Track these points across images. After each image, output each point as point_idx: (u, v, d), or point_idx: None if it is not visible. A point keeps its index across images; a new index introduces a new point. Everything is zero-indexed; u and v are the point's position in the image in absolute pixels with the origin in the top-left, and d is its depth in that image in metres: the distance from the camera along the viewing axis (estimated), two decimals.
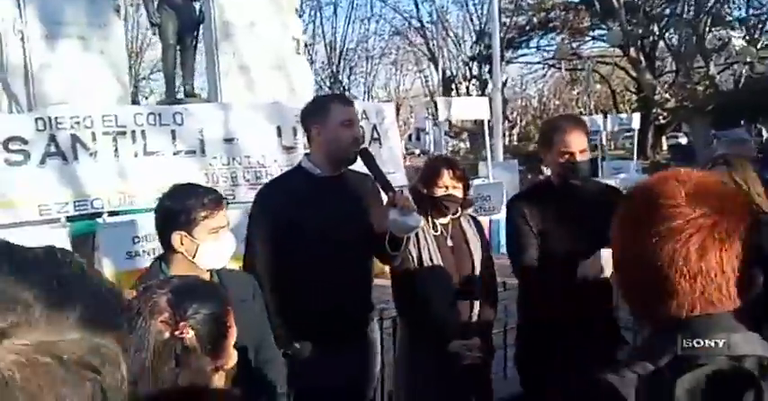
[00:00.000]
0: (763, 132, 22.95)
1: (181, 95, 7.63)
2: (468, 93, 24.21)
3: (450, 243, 2.64)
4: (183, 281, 1.33)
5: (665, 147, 22.10)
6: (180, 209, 1.87)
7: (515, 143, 26.68)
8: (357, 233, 2.33)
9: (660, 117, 21.91)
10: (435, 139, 25.14)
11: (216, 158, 5.52)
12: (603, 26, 22.20)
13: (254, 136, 5.92)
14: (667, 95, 18.82)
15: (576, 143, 2.49)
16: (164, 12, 6.90)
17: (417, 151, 26.23)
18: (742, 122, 16.14)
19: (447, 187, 2.60)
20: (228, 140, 5.65)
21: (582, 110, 32.05)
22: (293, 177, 2.51)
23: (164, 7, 6.89)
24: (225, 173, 5.62)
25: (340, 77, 27.30)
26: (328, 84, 25.89)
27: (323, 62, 26.76)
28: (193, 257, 1.88)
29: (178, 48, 7.15)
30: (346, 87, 27.94)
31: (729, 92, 18.10)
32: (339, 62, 27.24)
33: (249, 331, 1.79)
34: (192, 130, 5.32)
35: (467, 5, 24.65)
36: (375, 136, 6.69)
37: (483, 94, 22.35)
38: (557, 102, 38.65)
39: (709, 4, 18.00)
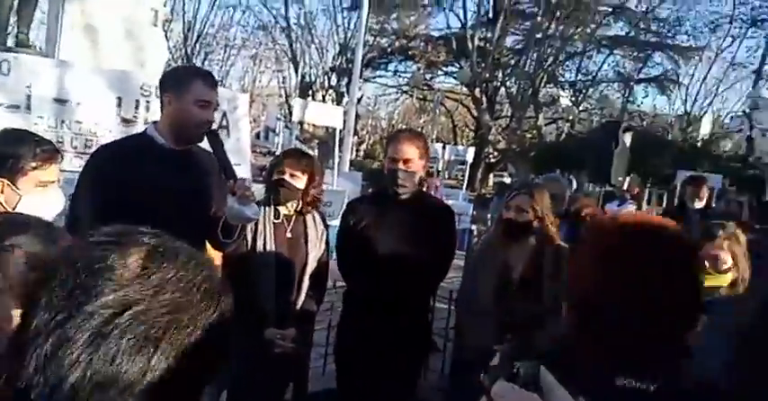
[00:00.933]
0: (573, 183, 25.97)
1: (12, 44, 6.82)
2: (323, 102, 24.42)
3: (289, 234, 2.68)
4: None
5: (491, 182, 24.12)
6: (9, 154, 1.71)
7: (360, 158, 27.38)
8: (191, 211, 2.26)
9: (491, 155, 23.91)
10: (284, 141, 24.97)
11: (42, 118, 5.03)
12: (456, 64, 23.85)
13: (91, 102, 5.49)
14: (500, 137, 20.68)
15: (403, 152, 2.68)
16: None
17: (263, 150, 25.85)
18: (557, 171, 18.14)
19: (284, 173, 2.64)
20: (60, 101, 5.17)
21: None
22: (135, 142, 2.39)
23: None
24: (50, 135, 5.11)
25: (194, 60, 26.11)
26: (180, 64, 24.56)
27: (177, 41, 25.41)
28: (13, 209, 1.72)
29: None
30: None
31: (551, 143, 20.32)
32: (195, 45, 26.06)
33: None
34: (19, 83, 4.80)
35: (335, 16, 25.00)
36: (224, 123, 6.52)
37: (339, 105, 22.75)
38: (403, 127, 40.57)
39: (547, 64, 20.20)
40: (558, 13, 20.60)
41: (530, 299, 2.59)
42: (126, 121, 6.12)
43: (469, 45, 20.37)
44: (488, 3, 22.25)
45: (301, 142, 24.63)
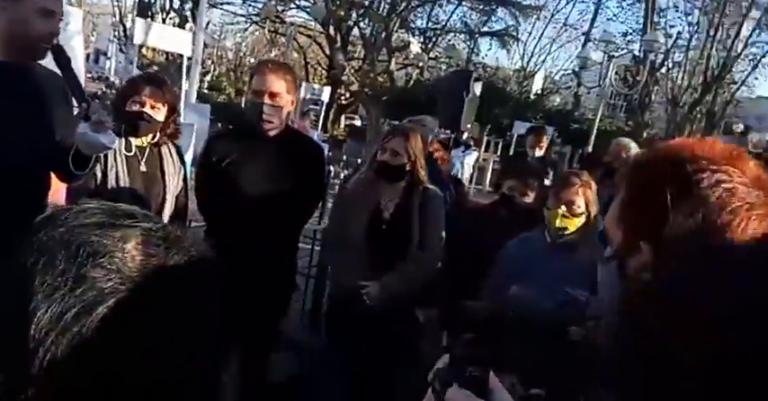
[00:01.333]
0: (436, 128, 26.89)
1: None
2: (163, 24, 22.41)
3: (143, 168, 2.42)
4: None
5: (342, 124, 24.11)
6: None
7: (205, 91, 25.81)
8: (33, 136, 1.95)
9: (343, 97, 23.80)
10: (120, 66, 22.62)
11: None
12: None
13: None
14: (353, 78, 20.58)
15: (270, 84, 2.47)
16: None
17: (94, 75, 23.28)
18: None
19: (143, 104, 2.37)
20: None
21: None
22: None
23: None
24: None
25: None
26: None
27: None
28: None
29: None
30: None
31: (403, 88, 20.70)
32: None
33: None
34: None
35: None
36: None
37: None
38: (252, 60, 38.76)
39: (400, 9, 20.25)
40: None
41: (399, 238, 2.63)
42: None
43: None
44: None
45: (138, 68, 22.58)
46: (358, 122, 23.86)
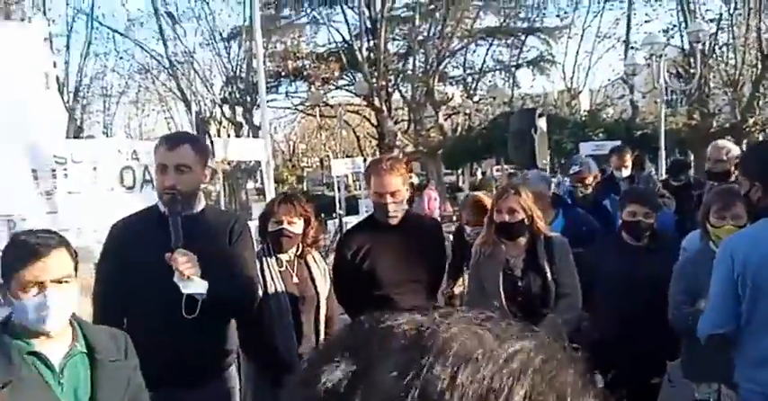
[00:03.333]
0: (478, 173, 26.99)
1: None
2: (218, 135, 23.90)
3: (295, 279, 2.67)
4: None
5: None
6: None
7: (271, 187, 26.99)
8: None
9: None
10: None
11: None
12: (346, 76, 24.15)
13: (4, 181, 5.14)
14: (405, 140, 21.11)
15: (388, 185, 2.71)
16: None
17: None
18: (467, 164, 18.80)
19: (281, 222, 2.63)
20: None
21: (329, 154, 33.96)
22: (145, 212, 2.30)
23: None
24: None
25: (75, 116, 24.74)
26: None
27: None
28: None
29: None
30: (81, 126, 25.43)
31: (454, 138, 21.00)
32: (75, 99, 24.74)
33: (119, 391, 1.61)
34: None
35: (216, 47, 24.52)
36: (147, 178, 6.31)
37: (238, 136, 22.32)
38: (303, 147, 40.40)
39: (434, 64, 20.89)
40: (436, 14, 21.36)
41: (536, 291, 2.73)
42: (48, 194, 5.77)
43: (358, 57, 20.66)
44: (364, 13, 22.71)
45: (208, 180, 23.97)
46: (415, 180, 24.27)
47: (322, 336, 2.68)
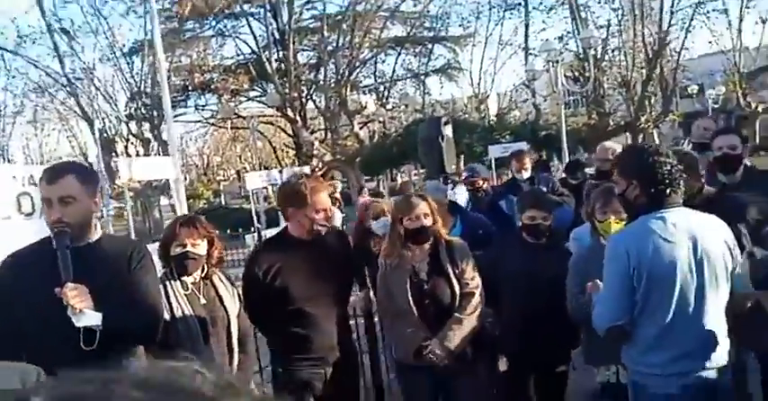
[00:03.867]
0: (398, 178, 27.41)
1: None
2: (127, 153, 22.97)
3: (203, 300, 2.64)
4: None
5: None
6: None
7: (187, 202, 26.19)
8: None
9: (316, 169, 24.36)
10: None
11: None
12: (257, 88, 23.86)
13: None
14: (322, 150, 21.12)
15: (325, 202, 2.83)
16: None
17: None
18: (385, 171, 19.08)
19: (184, 245, 2.61)
20: None
21: (246, 165, 33.34)
22: (38, 245, 2.21)
23: None
24: None
25: None
26: None
27: None
28: None
29: None
30: None
31: (371, 145, 21.23)
32: None
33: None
34: None
35: (118, 62, 23.56)
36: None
37: (147, 154, 21.55)
38: (219, 159, 39.50)
39: (346, 74, 21.06)
40: (343, 26, 21.53)
41: (441, 293, 2.85)
42: None
43: (268, 68, 20.50)
44: (271, 25, 22.56)
45: (114, 199, 23.01)
46: (339, 186, 24.32)
47: (236, 356, 2.67)
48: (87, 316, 1.97)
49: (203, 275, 2.69)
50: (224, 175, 40.84)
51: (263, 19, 22.55)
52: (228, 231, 14.04)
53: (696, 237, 2.25)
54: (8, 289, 2.07)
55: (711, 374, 2.29)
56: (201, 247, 2.65)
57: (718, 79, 25.45)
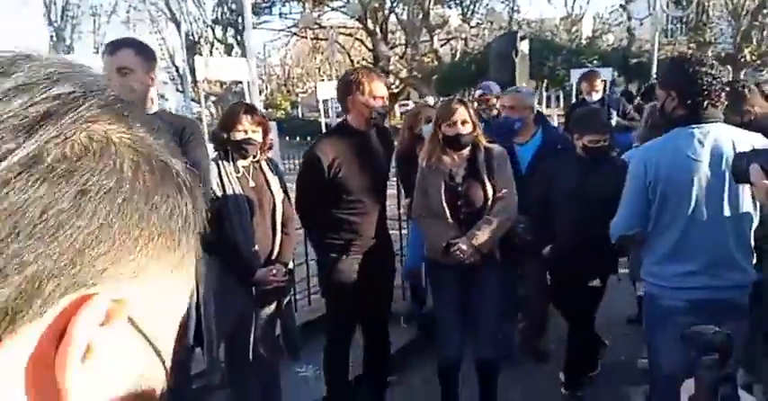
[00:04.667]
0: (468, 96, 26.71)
1: None
2: (211, 56, 23.51)
3: (251, 183, 2.87)
4: None
5: (397, 113, 24.45)
6: None
7: (263, 110, 26.83)
8: None
9: (392, 85, 24.15)
10: (179, 105, 23.96)
11: None
12: None
13: None
14: (400, 65, 20.85)
15: (383, 90, 2.97)
16: None
17: None
18: (461, 91, 18.70)
19: (246, 131, 2.80)
20: None
21: (324, 78, 33.45)
22: None
23: None
24: None
25: (63, 35, 24.27)
26: (51, 42, 22.85)
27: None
28: None
29: None
30: (71, 45, 24.97)
31: (450, 63, 20.73)
32: (62, 18, 24.14)
33: None
34: None
35: None
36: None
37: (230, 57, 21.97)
38: (299, 71, 39.71)
39: None
40: None
41: (474, 197, 2.97)
42: None
43: None
44: None
45: (196, 102, 23.89)
46: (412, 107, 24.04)
47: (278, 236, 2.91)
48: None
49: (255, 160, 2.90)
50: (303, 88, 41.23)
51: None
52: (298, 139, 14.45)
53: (724, 156, 2.21)
54: None
55: (722, 294, 2.32)
56: (259, 134, 2.83)
57: None
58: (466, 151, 2.98)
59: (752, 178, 1.07)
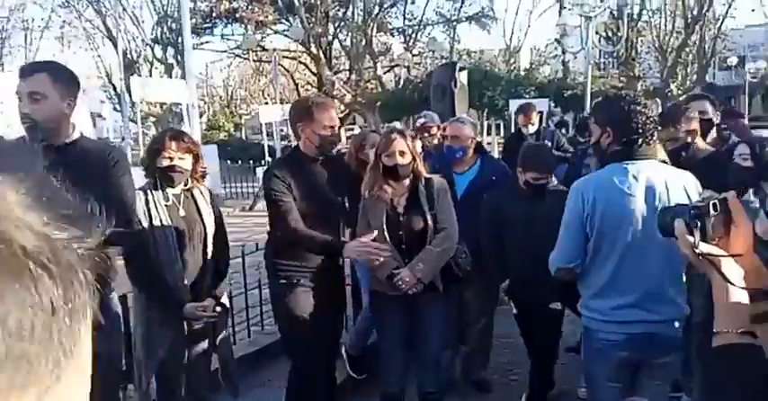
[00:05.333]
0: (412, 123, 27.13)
1: None
2: (150, 76, 22.98)
3: (182, 212, 2.73)
4: None
5: (343, 138, 24.47)
6: None
7: (205, 131, 26.31)
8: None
9: (338, 110, 24.20)
10: (116, 125, 23.16)
11: None
12: (285, 22, 23.45)
13: None
14: (344, 90, 20.93)
15: (335, 119, 3.01)
16: None
17: (93, 137, 23.84)
18: (404, 118, 18.92)
19: (172, 158, 2.68)
20: None
21: (268, 100, 33.25)
22: (12, 142, 2.30)
23: None
24: None
25: None
26: None
27: None
28: None
29: None
30: (0, 62, 23.92)
31: (394, 90, 20.98)
32: None
33: None
34: None
35: None
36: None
37: (169, 77, 21.53)
38: (243, 93, 39.34)
39: (374, 13, 20.58)
40: None
41: (415, 227, 2.93)
42: None
43: (296, 1, 20.10)
44: None
45: (135, 122, 23.20)
46: (357, 131, 24.13)
47: (209, 269, 2.78)
48: None
49: (186, 188, 2.77)
50: (246, 109, 40.82)
51: None
52: (240, 162, 14.22)
53: (657, 191, 2.26)
54: None
55: (657, 328, 2.35)
56: (187, 161, 2.72)
57: (761, 52, 24.52)
58: (407, 181, 2.96)
59: (676, 233, 1.09)
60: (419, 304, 2.95)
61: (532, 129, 5.88)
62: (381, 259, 2.73)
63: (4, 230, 0.31)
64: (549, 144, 5.70)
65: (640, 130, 2.26)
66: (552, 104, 16.34)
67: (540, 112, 6.38)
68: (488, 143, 16.14)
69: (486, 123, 19.29)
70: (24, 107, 2.15)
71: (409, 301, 2.93)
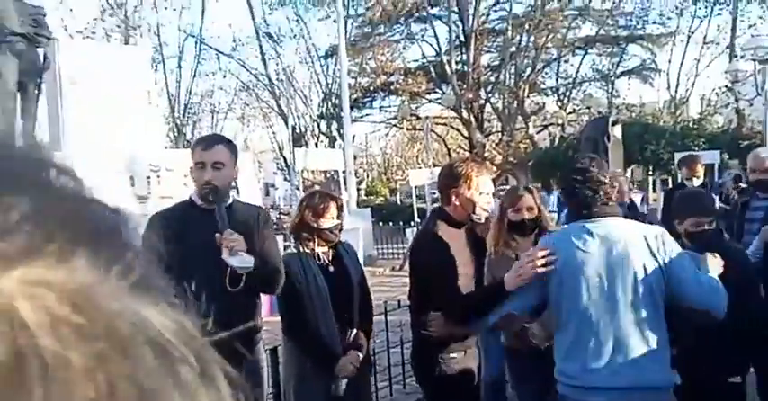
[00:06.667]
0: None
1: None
2: (317, 148, 24.93)
3: (331, 269, 2.89)
4: None
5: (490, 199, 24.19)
6: None
7: (363, 197, 27.68)
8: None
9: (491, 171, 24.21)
10: (286, 193, 25.29)
11: None
12: (438, 90, 24.38)
13: (105, 185, 5.79)
14: (495, 152, 21.00)
15: (490, 186, 2.71)
16: (2, 56, 6.52)
17: (267, 205, 26.08)
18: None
19: (333, 218, 2.87)
20: None
21: (421, 166, 34.30)
22: (179, 207, 2.60)
23: (3, 52, 6.52)
24: None
25: (184, 130, 26.79)
26: (173, 136, 25.26)
27: (164, 115, 26.13)
28: None
29: (19, 95, 6.75)
30: (190, 141, 27.45)
31: (546, 149, 20.60)
32: (184, 115, 26.78)
33: None
34: None
35: (313, 65, 25.71)
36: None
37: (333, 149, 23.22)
38: (399, 159, 41.08)
39: (526, 74, 20.68)
40: (527, 25, 21.18)
41: None
42: (140, 198, 6.43)
43: (447, 70, 20.89)
44: (457, 27, 22.89)
45: (302, 191, 25.08)
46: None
47: (356, 320, 2.87)
48: (242, 258, 2.30)
49: (332, 245, 2.94)
50: (402, 175, 42.38)
51: (449, 21, 22.98)
52: (391, 224, 14.72)
53: (614, 249, 2.17)
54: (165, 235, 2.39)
55: (632, 395, 2.15)
56: (335, 221, 2.91)
57: None
58: (532, 236, 2.92)
59: None
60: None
61: (697, 182, 5.39)
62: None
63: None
64: (717, 197, 5.21)
65: (594, 193, 2.26)
66: (726, 156, 14.93)
67: (710, 165, 5.85)
68: (654, 200, 15.05)
69: (650, 179, 18.08)
70: (207, 174, 2.41)
71: (543, 356, 2.77)
